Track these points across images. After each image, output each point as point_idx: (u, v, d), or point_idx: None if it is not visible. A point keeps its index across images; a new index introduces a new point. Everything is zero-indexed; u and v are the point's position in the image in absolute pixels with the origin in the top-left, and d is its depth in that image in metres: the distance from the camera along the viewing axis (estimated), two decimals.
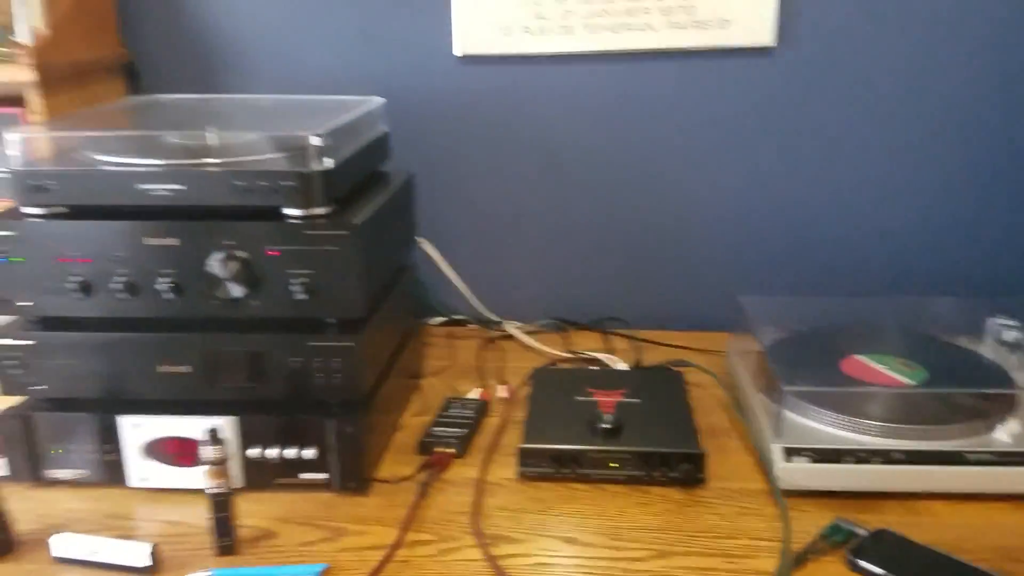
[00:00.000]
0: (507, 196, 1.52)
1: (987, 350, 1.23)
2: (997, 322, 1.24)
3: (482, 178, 1.51)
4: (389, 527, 0.97)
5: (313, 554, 0.93)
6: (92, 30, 1.39)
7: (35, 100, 1.25)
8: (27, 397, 1.06)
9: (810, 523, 0.97)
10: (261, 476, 1.04)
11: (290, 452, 1.02)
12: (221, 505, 0.92)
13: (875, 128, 1.42)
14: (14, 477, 1.06)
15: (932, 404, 1.08)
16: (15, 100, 1.33)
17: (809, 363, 1.17)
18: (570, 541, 0.95)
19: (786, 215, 1.48)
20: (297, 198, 0.97)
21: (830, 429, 1.05)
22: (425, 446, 1.12)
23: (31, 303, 1.01)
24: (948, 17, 1.36)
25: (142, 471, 1.04)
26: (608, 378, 1.24)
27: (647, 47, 1.40)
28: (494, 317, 1.54)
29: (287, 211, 0.98)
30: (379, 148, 1.24)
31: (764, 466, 1.07)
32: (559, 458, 1.05)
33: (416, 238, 1.46)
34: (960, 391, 1.09)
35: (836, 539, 0.93)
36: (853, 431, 1.04)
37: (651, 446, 1.04)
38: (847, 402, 1.07)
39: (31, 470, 1.05)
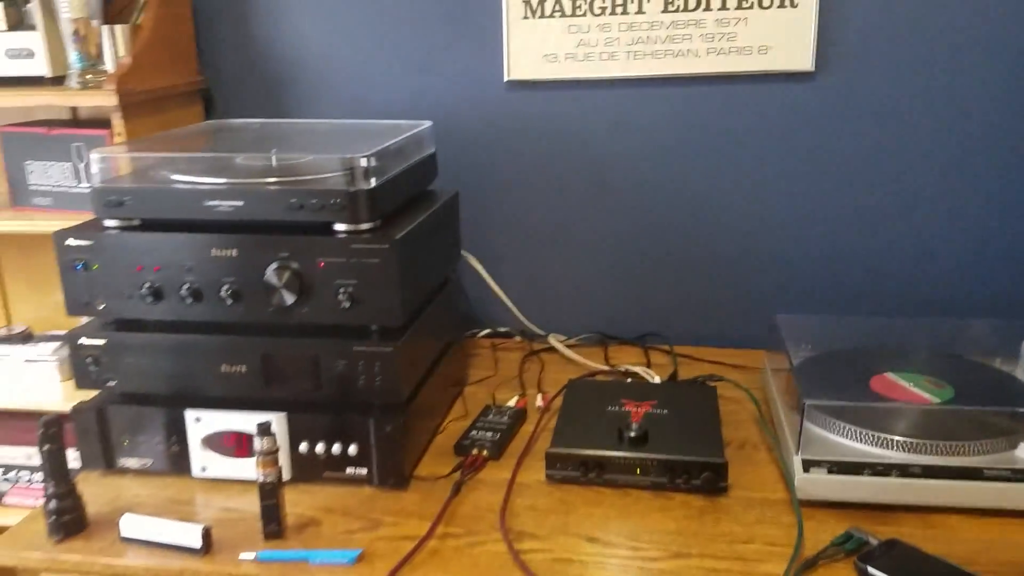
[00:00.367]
0: (552, 214, 1.58)
1: (1020, 372, 1.24)
2: None
3: (528, 197, 1.58)
4: (423, 520, 1.05)
5: (351, 542, 1.01)
6: (172, 60, 1.51)
7: (119, 123, 1.37)
8: (100, 392, 1.16)
9: (826, 532, 1.00)
10: (309, 470, 1.12)
11: (335, 448, 1.11)
12: (269, 493, 1.01)
13: (913, 151, 1.45)
14: (88, 465, 1.16)
15: (954, 421, 1.10)
16: (102, 123, 1.47)
17: (838, 380, 1.20)
18: (591, 540, 1.01)
19: (826, 236, 1.51)
20: (345, 214, 1.05)
21: (852, 443, 1.08)
22: (461, 448, 1.19)
23: (106, 306, 1.12)
24: (985, 41, 1.38)
25: (203, 461, 1.14)
26: (641, 390, 1.29)
27: (689, 72, 1.45)
28: (538, 330, 1.61)
29: (336, 226, 1.07)
30: (426, 168, 1.33)
31: (787, 478, 1.11)
32: (585, 463, 1.11)
33: (463, 253, 1.54)
34: (979, 408, 1.11)
35: (848, 547, 0.97)
36: (875, 445, 1.07)
37: (674, 454, 1.09)
38: (870, 417, 1.10)
39: (103, 459, 1.16)
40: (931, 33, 1.39)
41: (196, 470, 1.14)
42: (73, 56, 1.42)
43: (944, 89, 1.41)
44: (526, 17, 1.47)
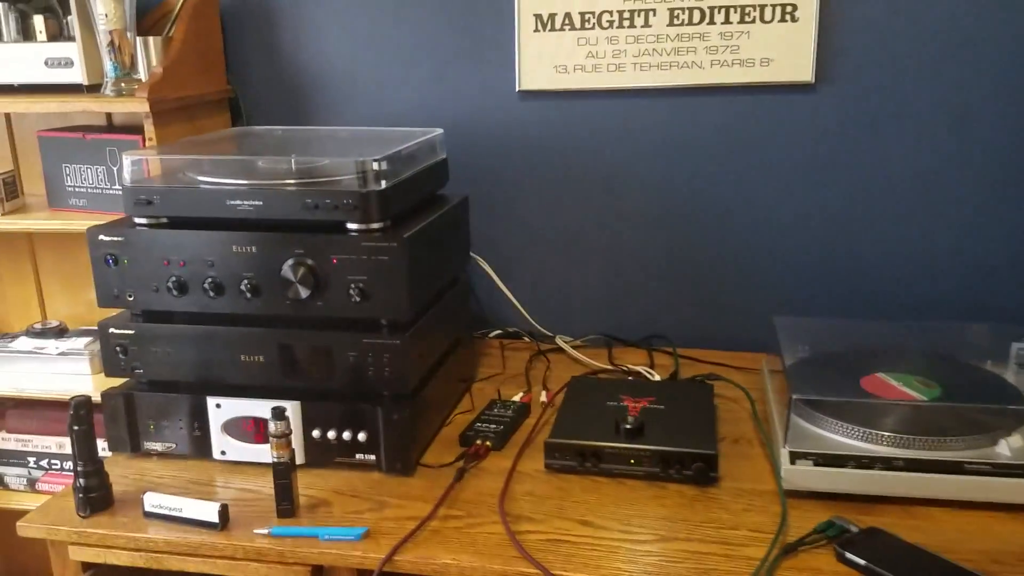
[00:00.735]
0: (561, 219, 1.64)
1: (1009, 374, 1.28)
2: (1020, 347, 1.29)
3: (538, 202, 1.64)
4: (427, 503, 1.11)
5: (359, 521, 1.07)
6: (201, 70, 1.60)
7: (150, 129, 1.45)
8: (128, 379, 1.24)
9: (811, 520, 1.05)
10: (321, 455, 1.19)
11: (346, 435, 1.17)
12: (282, 473, 1.07)
13: (909, 159, 1.49)
14: (116, 448, 1.24)
15: (937, 417, 1.14)
16: (135, 129, 1.55)
17: (829, 378, 1.25)
18: (584, 523, 1.06)
19: (826, 241, 1.56)
20: (357, 214, 1.12)
21: (840, 438, 1.13)
22: (466, 439, 1.25)
23: (135, 299, 1.19)
24: (982, 53, 1.42)
25: (222, 446, 1.21)
26: (641, 387, 1.35)
27: (694, 83, 1.51)
28: (545, 331, 1.67)
29: (349, 225, 1.13)
30: (437, 173, 1.40)
31: (775, 470, 1.15)
32: (582, 453, 1.16)
33: (474, 256, 1.60)
34: (959, 405, 1.15)
35: (830, 533, 1.01)
36: (861, 440, 1.11)
37: (668, 445, 1.15)
38: (857, 413, 1.14)
39: (130, 442, 1.23)
40: (928, 46, 1.44)
41: (216, 454, 1.21)
42: (109, 65, 1.50)
43: (940, 99, 1.46)
44: (537, 30, 1.53)
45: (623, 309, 1.67)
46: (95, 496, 1.11)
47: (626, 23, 1.50)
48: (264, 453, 1.18)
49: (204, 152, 1.32)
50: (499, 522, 1.06)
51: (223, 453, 1.21)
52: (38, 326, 1.72)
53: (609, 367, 1.52)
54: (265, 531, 1.05)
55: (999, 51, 1.42)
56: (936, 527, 1.04)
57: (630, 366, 1.52)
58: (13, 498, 1.75)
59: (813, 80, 1.47)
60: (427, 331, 1.24)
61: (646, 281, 1.65)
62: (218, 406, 1.19)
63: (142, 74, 1.53)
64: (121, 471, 1.20)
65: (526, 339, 1.67)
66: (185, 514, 1.08)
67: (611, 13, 1.50)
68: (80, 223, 1.51)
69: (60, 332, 1.72)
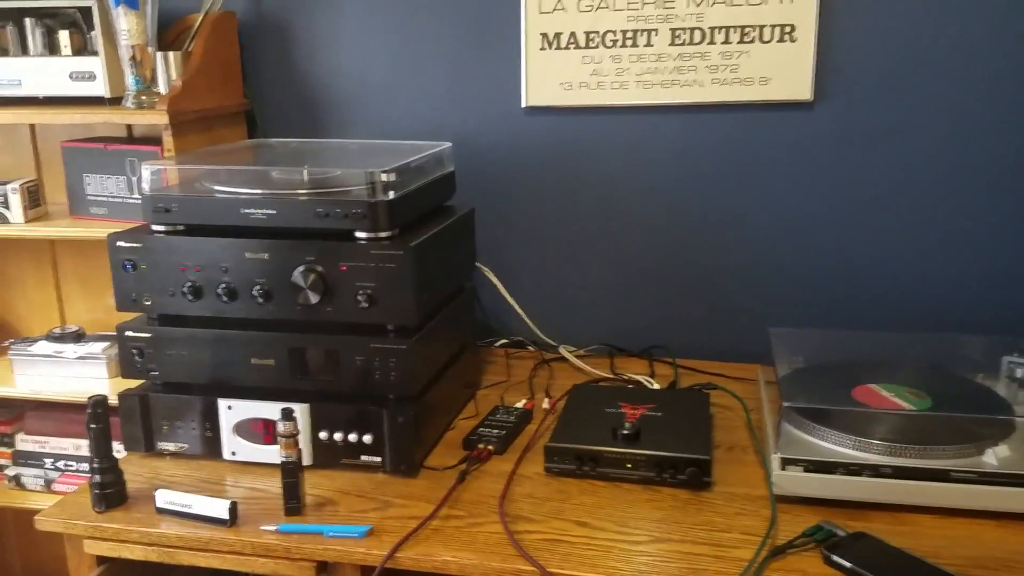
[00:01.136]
0: (565, 232, 1.69)
1: (1000, 386, 1.31)
2: (1010, 360, 1.32)
3: (543, 215, 1.69)
4: (430, 504, 1.14)
5: (363, 519, 1.11)
6: (219, 83, 1.65)
7: (169, 140, 1.50)
8: (144, 381, 1.29)
9: (800, 524, 1.08)
10: (328, 456, 1.23)
11: (353, 437, 1.21)
12: (290, 472, 1.12)
13: (906, 176, 1.53)
14: (130, 447, 1.28)
15: (925, 427, 1.17)
16: (154, 140, 1.61)
17: (821, 388, 1.28)
18: (581, 524, 1.10)
19: (825, 255, 1.59)
20: (366, 223, 1.17)
21: (831, 446, 1.16)
22: (469, 443, 1.29)
23: (151, 303, 1.24)
24: (977, 70, 1.46)
25: (233, 446, 1.25)
26: (639, 394, 1.38)
27: (695, 101, 1.55)
28: (549, 341, 1.70)
29: (358, 233, 1.18)
30: (445, 185, 1.44)
31: (767, 476, 1.19)
32: (581, 457, 1.20)
33: (481, 266, 1.65)
34: (947, 415, 1.18)
35: (818, 537, 1.04)
36: (851, 448, 1.15)
37: (663, 451, 1.18)
38: (847, 421, 1.17)
39: (144, 442, 1.28)
40: (924, 63, 1.48)
41: (227, 454, 1.25)
42: (130, 79, 1.56)
43: (936, 116, 1.49)
44: (543, 48, 1.58)
45: (625, 320, 1.71)
46: (110, 492, 1.15)
47: (629, 42, 1.54)
48: (273, 454, 1.22)
49: (220, 162, 1.37)
50: (499, 522, 1.10)
51: (233, 453, 1.25)
52: (57, 330, 1.78)
53: (610, 376, 1.56)
54: (273, 528, 1.09)
55: (994, 67, 1.46)
56: (923, 533, 1.07)
57: (631, 375, 1.55)
58: (30, 498, 1.79)
59: (812, 98, 1.51)
60: (433, 337, 1.28)
61: (648, 293, 1.68)
62: (229, 408, 1.24)
63: (162, 87, 1.58)
64: (135, 469, 1.25)
65: (531, 348, 1.72)
66: (196, 511, 1.12)
67: (615, 32, 1.55)
68: (100, 231, 1.56)
69: (78, 337, 1.77)
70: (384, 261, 1.16)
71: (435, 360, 1.31)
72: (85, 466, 1.79)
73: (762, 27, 1.49)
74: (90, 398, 1.13)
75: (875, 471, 1.11)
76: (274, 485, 1.18)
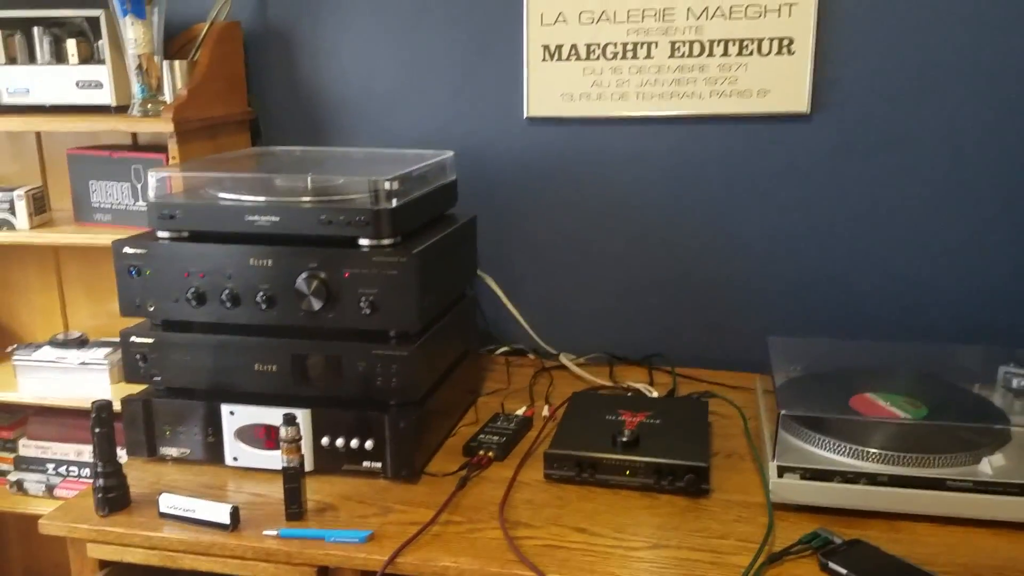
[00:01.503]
0: (566, 241, 1.70)
1: (996, 395, 1.32)
2: (1006, 370, 1.33)
3: (544, 224, 1.70)
4: (431, 509, 1.15)
5: (364, 525, 1.12)
6: (224, 93, 1.67)
7: (174, 148, 1.52)
8: (147, 386, 1.30)
9: (797, 531, 1.09)
10: (330, 462, 1.24)
11: (354, 443, 1.22)
12: (292, 477, 1.13)
13: (903, 188, 1.54)
14: (133, 452, 1.29)
15: (922, 436, 1.18)
16: (159, 148, 1.62)
17: (819, 397, 1.30)
18: (580, 530, 1.11)
19: (823, 265, 1.61)
20: (368, 230, 1.18)
21: (828, 454, 1.17)
22: (469, 449, 1.30)
23: (155, 309, 1.25)
24: (974, 83, 1.48)
25: (235, 452, 1.26)
26: (638, 402, 1.39)
27: (694, 113, 1.57)
28: (550, 349, 1.72)
29: (361, 240, 1.19)
30: (447, 193, 1.46)
31: (764, 483, 1.19)
32: (580, 463, 1.21)
33: (482, 274, 1.66)
34: (943, 424, 1.19)
35: (815, 544, 1.05)
36: (848, 456, 1.16)
37: (661, 457, 1.19)
38: (844, 430, 1.18)
39: (147, 447, 1.29)
40: (921, 75, 1.49)
41: (228, 459, 1.26)
42: (136, 87, 1.58)
43: (932, 128, 1.51)
44: (545, 60, 1.60)
45: (625, 328, 1.72)
46: (113, 496, 1.16)
47: (629, 55, 1.56)
48: (274, 459, 1.23)
49: (225, 170, 1.39)
50: (499, 528, 1.11)
51: (235, 459, 1.26)
52: (61, 336, 1.79)
53: (610, 384, 1.57)
54: (274, 533, 1.10)
55: (991, 80, 1.47)
56: (919, 541, 1.08)
57: (630, 383, 1.57)
58: (32, 503, 1.80)
59: (809, 111, 1.53)
60: (434, 343, 1.29)
61: (647, 301, 1.70)
62: (232, 413, 1.25)
63: (167, 96, 1.60)
64: (138, 474, 1.26)
65: (531, 356, 1.73)
66: (198, 515, 1.13)
67: (615, 45, 1.56)
68: (105, 237, 1.57)
69: (82, 343, 1.78)
70: (387, 268, 1.17)
71: (436, 367, 1.32)
72: (87, 472, 1.80)
73: (760, 40, 1.51)
74: (94, 403, 1.14)
75: (871, 479, 1.12)
76: (276, 490, 1.19)
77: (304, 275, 1.19)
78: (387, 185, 1.19)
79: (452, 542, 1.08)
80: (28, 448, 1.82)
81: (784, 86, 1.52)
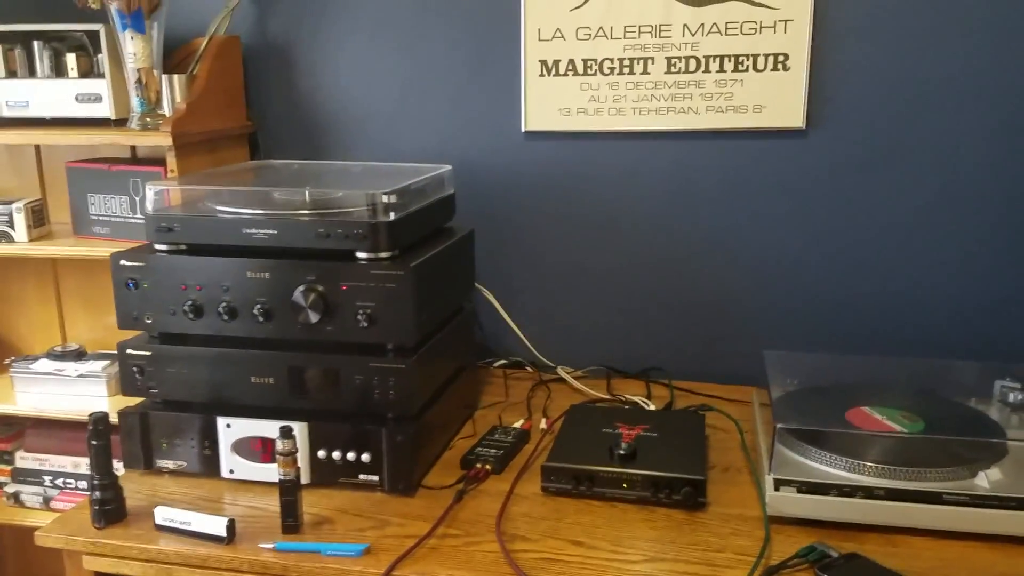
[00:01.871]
0: (564, 254, 1.71)
1: (992, 410, 1.32)
2: (1003, 384, 1.33)
3: (542, 238, 1.71)
4: (427, 523, 1.15)
5: (361, 538, 1.12)
6: (223, 106, 1.68)
7: (172, 161, 1.53)
8: (144, 399, 1.30)
9: (794, 545, 1.09)
10: (327, 474, 1.24)
11: (351, 455, 1.22)
12: (288, 490, 1.12)
13: (898, 202, 1.55)
14: (130, 465, 1.29)
15: (918, 450, 1.18)
16: (158, 161, 1.63)
17: (815, 410, 1.30)
18: (577, 543, 1.11)
19: (818, 280, 1.61)
20: (366, 243, 1.19)
21: (824, 467, 1.17)
22: (467, 462, 1.30)
23: (153, 321, 1.25)
24: (969, 99, 1.49)
25: (231, 464, 1.26)
26: (636, 415, 1.40)
27: (690, 128, 1.58)
28: (548, 362, 1.72)
29: (358, 254, 1.20)
30: (445, 207, 1.46)
31: (761, 497, 1.19)
32: (577, 476, 1.21)
33: (480, 287, 1.67)
34: (939, 437, 1.20)
35: (811, 558, 1.05)
36: (845, 469, 1.16)
37: (658, 471, 1.19)
38: (840, 444, 1.19)
39: (144, 459, 1.29)
40: (916, 90, 1.50)
41: (225, 472, 1.26)
42: (135, 101, 1.59)
43: (928, 142, 1.52)
44: (542, 75, 1.61)
45: (623, 342, 1.72)
46: (110, 509, 1.16)
47: (626, 70, 1.57)
48: (271, 472, 1.23)
49: (223, 183, 1.39)
50: (495, 541, 1.11)
51: (231, 472, 1.26)
52: (58, 348, 1.79)
53: (607, 396, 1.58)
54: (270, 546, 1.10)
55: (985, 93, 1.48)
56: (915, 555, 1.08)
57: (627, 396, 1.57)
58: (28, 515, 1.80)
59: (804, 126, 1.54)
60: (432, 357, 1.29)
61: (645, 315, 1.70)
62: (228, 426, 1.25)
63: (166, 109, 1.61)
64: (135, 487, 1.26)
65: (529, 369, 1.73)
66: (194, 528, 1.13)
67: (612, 60, 1.57)
68: (103, 250, 1.58)
69: (79, 355, 1.78)
70: (384, 281, 1.18)
71: (434, 380, 1.32)
72: (84, 484, 1.79)
73: (755, 56, 1.52)
74: (91, 415, 1.14)
75: (868, 493, 1.12)
76: (272, 503, 1.19)
77: (301, 288, 1.20)
78: (385, 198, 1.20)
79: (449, 555, 1.08)
80: (25, 460, 1.82)
81: (780, 102, 1.53)
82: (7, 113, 1.65)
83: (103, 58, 1.60)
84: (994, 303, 1.56)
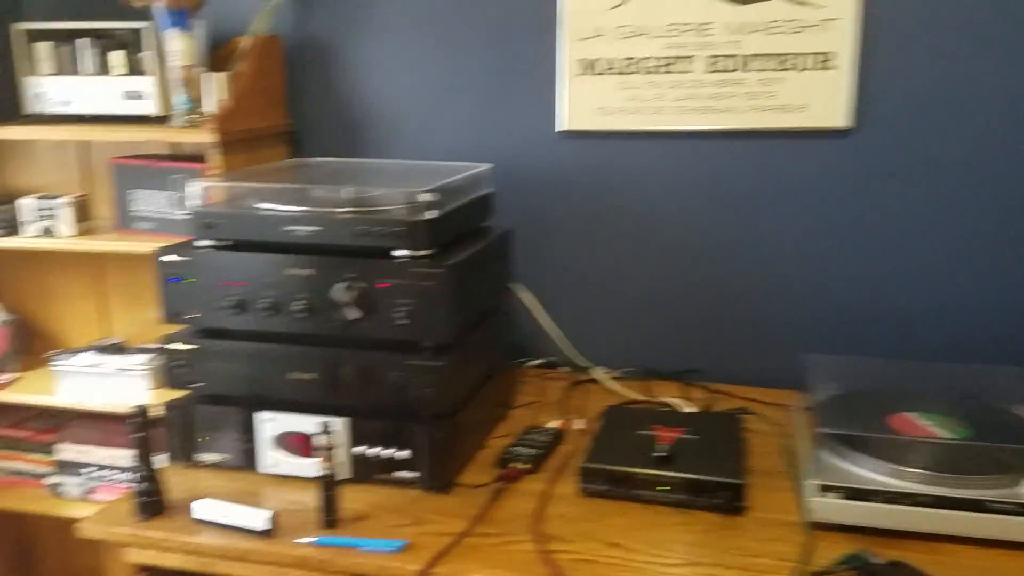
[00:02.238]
0: (602, 255, 1.70)
1: None
2: None
3: (579, 237, 1.70)
4: (464, 520, 1.15)
5: (398, 534, 1.12)
6: (265, 105, 1.69)
7: (215, 158, 1.54)
8: (187, 392, 1.31)
9: (836, 551, 1.07)
10: (365, 471, 1.24)
11: (388, 452, 1.23)
12: (328, 486, 1.13)
13: (946, 206, 1.52)
14: (172, 457, 1.31)
15: (962, 456, 1.16)
16: (200, 158, 1.65)
17: (858, 415, 1.28)
18: (614, 545, 1.10)
19: (862, 283, 1.59)
20: (405, 241, 1.19)
21: (867, 473, 1.15)
22: (503, 461, 1.30)
23: (197, 316, 1.27)
24: (1022, 101, 1.46)
25: (271, 459, 1.27)
26: (673, 418, 1.39)
27: (731, 127, 1.57)
28: (584, 363, 1.71)
29: (397, 252, 1.20)
30: (483, 206, 1.46)
31: (803, 502, 1.18)
32: (615, 478, 1.20)
33: (517, 287, 1.66)
34: (983, 444, 1.17)
35: (853, 565, 1.04)
36: (888, 476, 1.14)
37: (697, 474, 1.18)
38: (884, 449, 1.17)
39: (185, 453, 1.30)
40: (964, 94, 1.48)
41: (264, 466, 1.27)
42: (179, 99, 1.60)
43: (976, 146, 1.49)
44: (581, 74, 1.60)
45: (659, 343, 1.71)
46: (153, 501, 1.18)
47: (666, 69, 1.56)
48: (309, 467, 1.24)
49: (264, 181, 1.40)
50: (532, 541, 1.11)
51: (272, 466, 1.27)
52: (100, 342, 1.81)
53: (643, 398, 1.57)
54: (309, 540, 1.11)
55: None
56: (958, 563, 1.06)
57: (664, 398, 1.56)
58: (68, 507, 1.83)
59: (848, 126, 1.52)
60: (468, 355, 1.29)
61: (684, 317, 1.69)
62: (268, 420, 1.26)
63: (209, 107, 1.62)
64: (176, 479, 1.27)
65: (565, 370, 1.72)
66: (235, 522, 1.14)
67: (652, 59, 1.56)
68: (146, 245, 1.60)
69: (120, 349, 1.81)
70: (422, 279, 1.18)
71: (470, 378, 1.33)
72: (123, 476, 1.82)
73: (799, 55, 1.50)
74: (135, 408, 1.15)
75: (912, 500, 1.10)
76: (310, 498, 1.20)
77: (341, 285, 1.20)
78: (424, 196, 1.20)
79: (486, 554, 1.08)
80: (67, 452, 1.85)
81: (823, 101, 1.51)
82: (52, 110, 1.68)
83: (147, 56, 1.62)
84: None
